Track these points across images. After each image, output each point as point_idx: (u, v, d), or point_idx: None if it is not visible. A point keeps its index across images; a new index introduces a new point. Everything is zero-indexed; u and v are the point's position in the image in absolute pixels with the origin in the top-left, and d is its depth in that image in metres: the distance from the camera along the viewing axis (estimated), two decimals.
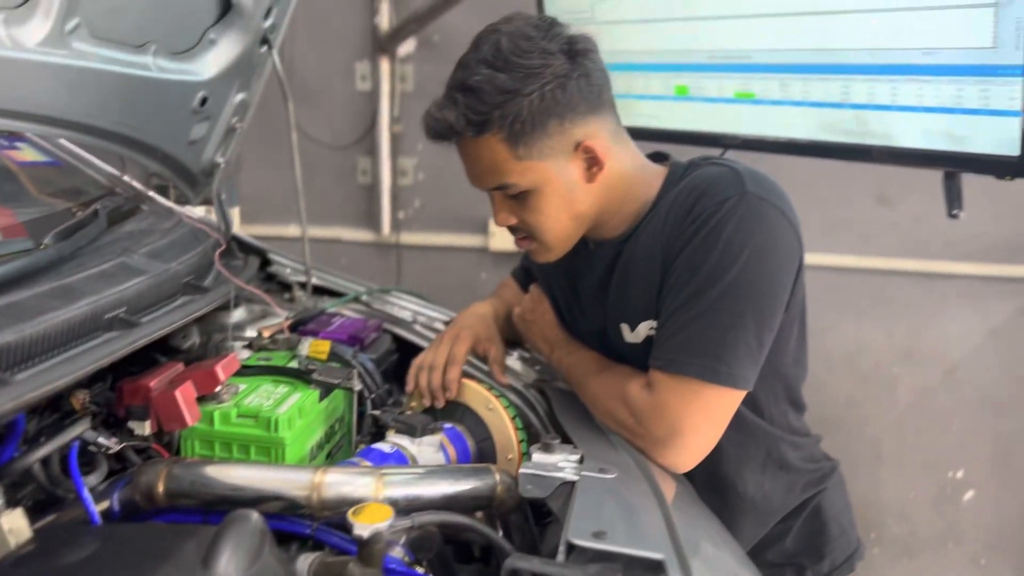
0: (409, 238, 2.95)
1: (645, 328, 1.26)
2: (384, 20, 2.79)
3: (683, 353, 1.15)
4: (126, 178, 1.65)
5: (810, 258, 2.60)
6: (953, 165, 1.33)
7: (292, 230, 2.99)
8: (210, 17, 1.40)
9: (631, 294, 1.27)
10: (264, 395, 1.20)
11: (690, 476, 1.22)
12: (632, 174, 1.25)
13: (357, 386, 1.25)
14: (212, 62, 1.42)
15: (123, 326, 1.10)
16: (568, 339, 1.39)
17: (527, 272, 1.58)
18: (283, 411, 1.14)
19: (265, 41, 1.49)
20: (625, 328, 1.28)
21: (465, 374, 1.41)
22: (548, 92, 1.13)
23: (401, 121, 2.88)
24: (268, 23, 1.47)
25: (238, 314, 1.53)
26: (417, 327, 1.59)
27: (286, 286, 1.66)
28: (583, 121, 1.17)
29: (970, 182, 1.41)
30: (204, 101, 1.45)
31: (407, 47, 2.82)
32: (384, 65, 2.83)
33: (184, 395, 1.10)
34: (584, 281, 1.36)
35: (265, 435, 1.13)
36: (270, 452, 1.13)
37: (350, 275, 1.71)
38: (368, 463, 1.13)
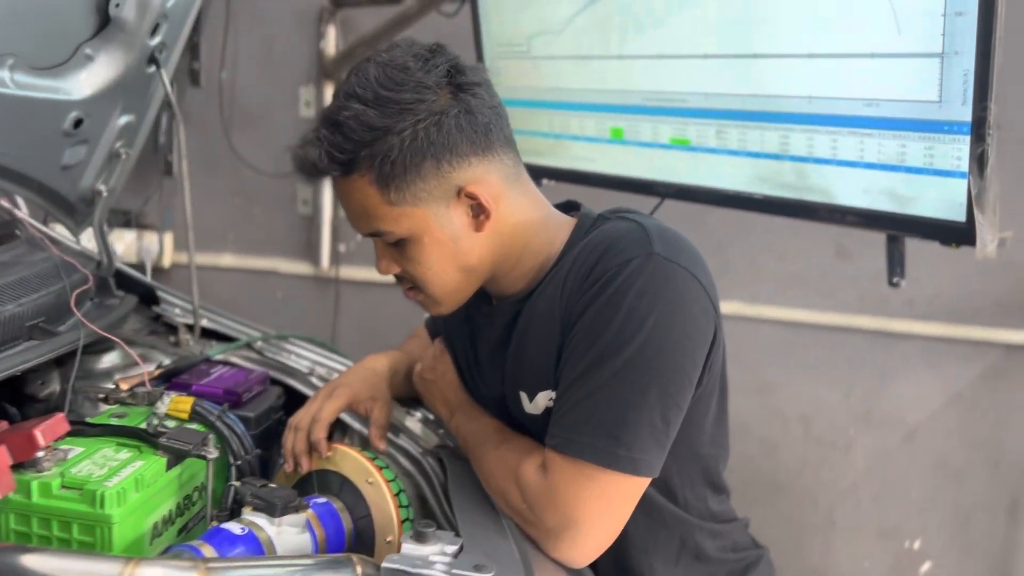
0: (349, 273, 2.80)
1: (544, 399, 1.12)
2: (331, 44, 2.67)
3: (579, 433, 1.01)
4: (3, 202, 1.50)
5: (764, 311, 2.51)
6: (896, 228, 1.21)
7: (227, 259, 2.85)
8: (85, 31, 1.26)
9: (529, 360, 1.13)
10: (100, 462, 1.04)
11: (595, 567, 1.08)
12: (532, 224, 1.12)
13: (212, 454, 1.09)
14: (87, 80, 1.28)
15: None
16: (470, 404, 1.25)
17: (436, 323, 1.44)
18: (114, 483, 0.99)
19: (153, 60, 1.35)
20: (524, 397, 1.15)
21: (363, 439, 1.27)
22: (421, 130, 1.00)
23: None
24: (155, 41, 1.33)
25: (110, 360, 1.38)
26: (314, 379, 1.44)
27: (174, 328, 1.50)
28: (465, 163, 1.04)
29: None
30: (78, 123, 1.30)
31: None
32: (330, 91, 2.70)
33: None
34: (484, 341, 1.22)
35: (89, 511, 0.97)
36: (95, 531, 0.98)
37: (245, 319, 1.56)
38: (211, 548, 0.98)
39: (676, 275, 1.02)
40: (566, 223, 1.15)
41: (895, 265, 1.18)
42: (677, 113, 1.45)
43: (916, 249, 2.37)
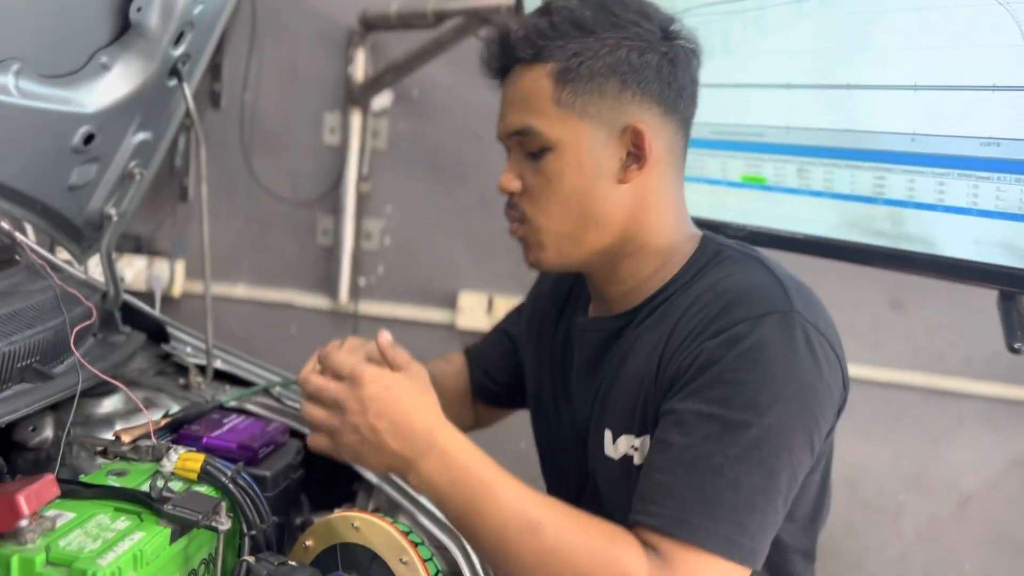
0: (369, 308, 2.65)
1: (625, 444, 0.98)
2: (359, 69, 2.55)
3: (700, 515, 0.85)
4: (4, 224, 1.36)
5: None
6: (1013, 284, 1.06)
7: (240, 290, 2.71)
8: (102, 36, 1.13)
9: (620, 397, 0.99)
10: (93, 532, 0.88)
11: None
12: (667, 217, 1.01)
13: (224, 525, 0.94)
14: (102, 91, 1.15)
15: None
16: (460, 444, 0.89)
17: (502, 337, 1.29)
18: (108, 560, 0.83)
19: (175, 72, 1.22)
20: (608, 436, 1.00)
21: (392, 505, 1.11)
22: (624, 48, 0.95)
23: (370, 179, 2.62)
24: (179, 51, 1.20)
25: (111, 404, 1.23)
26: None
27: (183, 368, 1.35)
28: (645, 104, 0.96)
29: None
30: (89, 138, 1.17)
31: (382, 100, 2.57)
32: (356, 118, 2.57)
33: None
34: (574, 359, 1.08)
35: None
36: None
37: (258, 356, 1.40)
38: None
39: (816, 342, 0.88)
40: (692, 238, 1.04)
41: (1014, 328, 1.03)
42: (751, 148, 1.31)
43: (975, 303, 2.23)
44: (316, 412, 0.93)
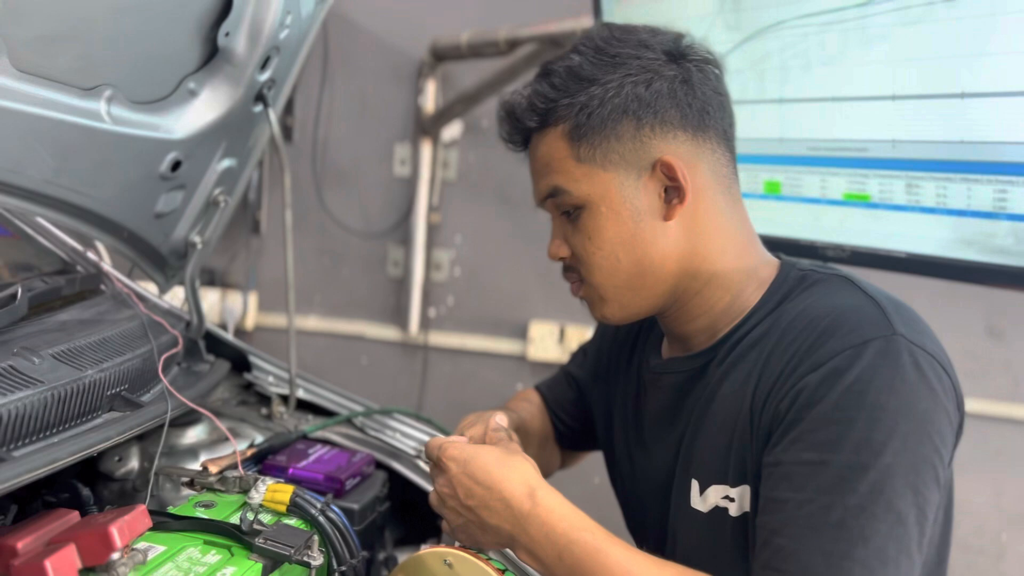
0: (439, 339, 2.63)
1: (716, 495, 0.90)
2: (429, 100, 2.55)
3: None
4: (90, 254, 1.36)
5: None
6: None
7: (312, 322, 2.71)
8: (190, 62, 1.13)
9: (708, 445, 0.91)
10: (184, 567, 0.85)
11: None
12: (731, 244, 0.94)
13: (316, 560, 0.90)
14: (189, 118, 1.14)
15: None
16: (553, 499, 0.86)
17: (570, 381, 1.23)
18: None
19: (261, 98, 1.21)
20: (695, 487, 0.93)
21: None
22: (629, 84, 0.90)
23: (440, 210, 2.60)
24: (264, 76, 1.19)
25: (195, 434, 1.21)
26: (422, 463, 1.25)
27: (266, 399, 1.33)
28: (669, 135, 0.90)
29: None
30: (176, 165, 1.16)
31: (452, 131, 2.57)
32: (426, 149, 2.57)
33: (58, 566, 0.76)
34: (649, 405, 1.02)
35: None
36: None
37: (344, 390, 1.38)
38: None
39: (923, 362, 0.80)
40: (769, 264, 0.97)
41: None
42: (854, 164, 1.24)
43: None
44: (433, 502, 0.94)
